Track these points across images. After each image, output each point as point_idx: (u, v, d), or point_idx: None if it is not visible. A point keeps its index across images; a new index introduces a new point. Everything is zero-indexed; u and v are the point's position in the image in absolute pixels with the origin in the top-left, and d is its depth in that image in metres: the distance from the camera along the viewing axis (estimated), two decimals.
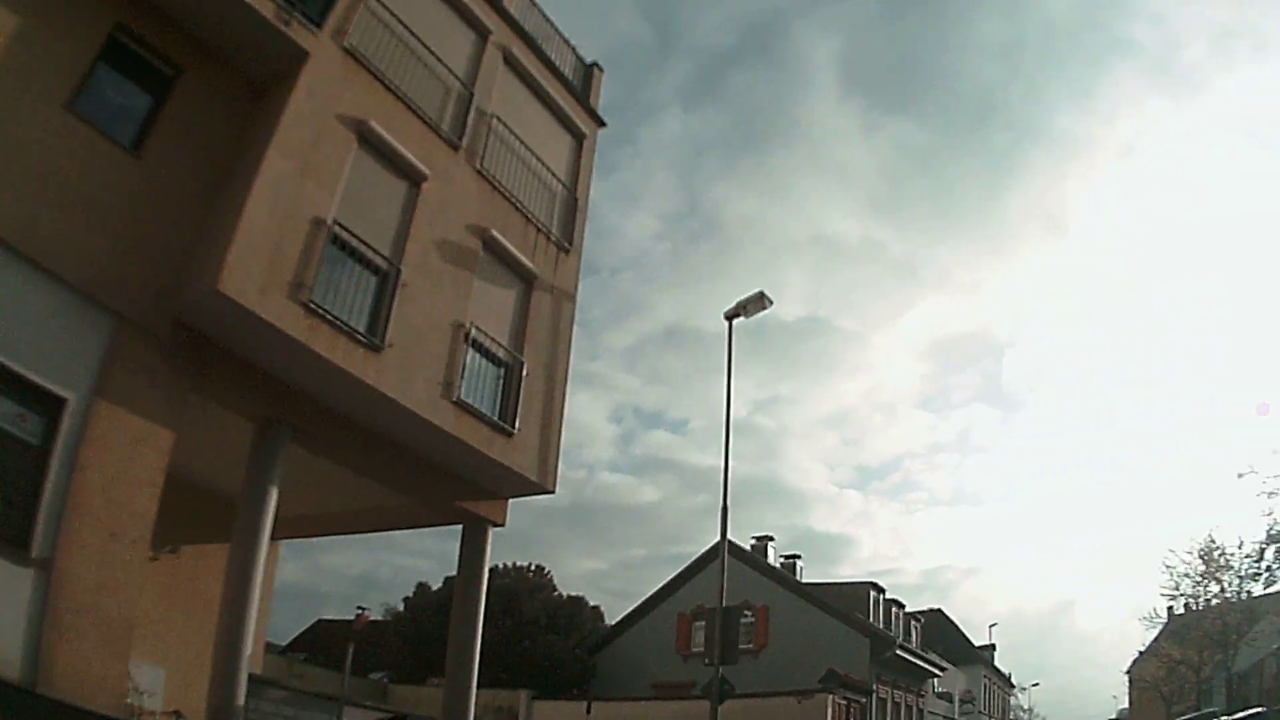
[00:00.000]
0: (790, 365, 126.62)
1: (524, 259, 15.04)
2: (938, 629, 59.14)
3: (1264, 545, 33.98)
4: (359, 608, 45.21)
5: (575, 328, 16.06)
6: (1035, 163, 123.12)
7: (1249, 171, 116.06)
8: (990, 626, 70.17)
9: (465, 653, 14.60)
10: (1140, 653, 56.39)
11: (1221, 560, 42.24)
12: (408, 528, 17.09)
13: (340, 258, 11.75)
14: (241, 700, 10.69)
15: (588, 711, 33.56)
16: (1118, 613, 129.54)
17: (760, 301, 17.14)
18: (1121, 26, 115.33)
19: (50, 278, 9.34)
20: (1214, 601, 43.02)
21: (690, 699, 29.28)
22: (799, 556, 43.59)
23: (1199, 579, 43.66)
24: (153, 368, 10.17)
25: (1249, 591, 41.14)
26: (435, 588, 41.10)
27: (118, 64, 10.74)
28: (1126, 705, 69.69)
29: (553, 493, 14.95)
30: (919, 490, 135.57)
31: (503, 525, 15.15)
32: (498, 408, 14.03)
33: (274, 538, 16.60)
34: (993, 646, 68.68)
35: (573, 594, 42.89)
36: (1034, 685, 77.45)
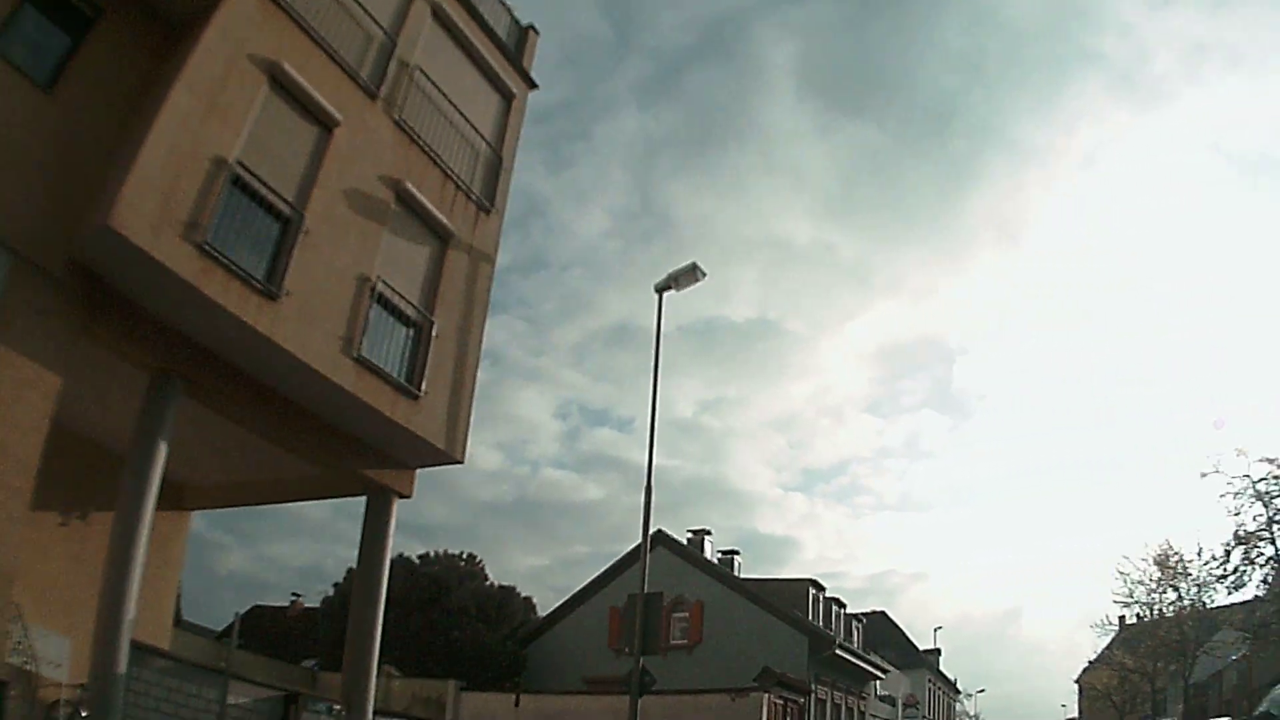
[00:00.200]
0: (738, 366, 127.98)
1: (440, 215, 14.71)
2: (881, 632, 59.44)
3: (1230, 546, 34.03)
4: (293, 594, 44.54)
5: (493, 291, 15.84)
6: (994, 170, 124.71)
7: (1212, 185, 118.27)
8: (935, 630, 70.57)
9: (366, 632, 14.12)
10: (1091, 661, 56.88)
11: (1179, 567, 42.48)
12: (316, 499, 16.81)
13: (241, 200, 11.47)
14: (123, 667, 10.36)
15: (516, 704, 33.20)
16: (1066, 621, 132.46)
17: (693, 274, 16.80)
18: (1088, 37, 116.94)
19: None
20: (1170, 611, 43.24)
21: (622, 694, 28.92)
22: (737, 552, 43.32)
23: (1155, 586, 43.98)
24: (45, 309, 9.91)
25: (1204, 602, 41.36)
26: None
27: (41, 3, 10.74)
28: (1076, 714, 70.50)
29: (461, 463, 14.64)
30: (866, 495, 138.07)
31: (409, 496, 14.81)
32: (404, 369, 13.66)
33: (186, 508, 16.80)
34: (938, 651, 69.19)
35: (504, 584, 42.41)
36: (980, 692, 78.34)
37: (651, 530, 39.59)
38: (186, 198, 10.56)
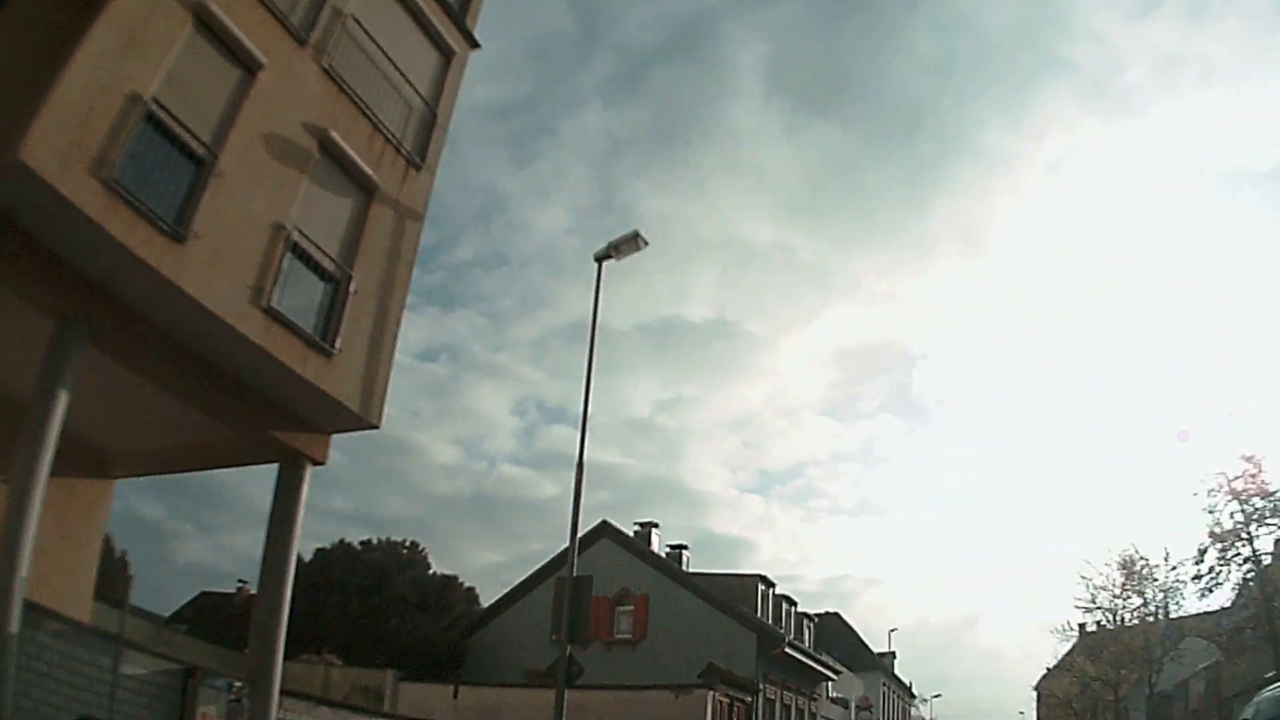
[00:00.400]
0: (696, 366, 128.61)
1: (365, 167, 14.40)
2: (835, 633, 59.44)
3: (1205, 546, 34.02)
4: (239, 581, 43.97)
5: (419, 249, 15.53)
6: (960, 175, 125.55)
7: (1187, 194, 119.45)
8: (890, 632, 70.83)
9: (274, 608, 13.73)
10: (1050, 668, 56.88)
11: (1145, 572, 42.55)
12: (234, 465, 16.51)
13: (154, 138, 11.23)
14: (15, 627, 9.98)
15: (455, 696, 32.90)
16: (1024, 628, 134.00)
17: (634, 242, 16.48)
18: (1061, 46, 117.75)
19: None
20: (1133, 618, 43.27)
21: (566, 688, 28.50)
22: (686, 546, 42.99)
23: (1118, 592, 44.03)
24: None
25: (1171, 608, 41.47)
26: (307, 559, 39.97)
27: None
28: None
29: (377, 427, 14.35)
30: (822, 498, 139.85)
31: (323, 463, 14.49)
32: (318, 324, 13.26)
33: (109, 476, 16.31)
34: (893, 654, 69.37)
35: (446, 573, 42.02)
36: (936, 697, 78.68)
37: (597, 521, 39.53)
38: (98, 133, 10.32)
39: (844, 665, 52.02)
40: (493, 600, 41.63)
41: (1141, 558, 42.77)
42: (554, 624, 17.15)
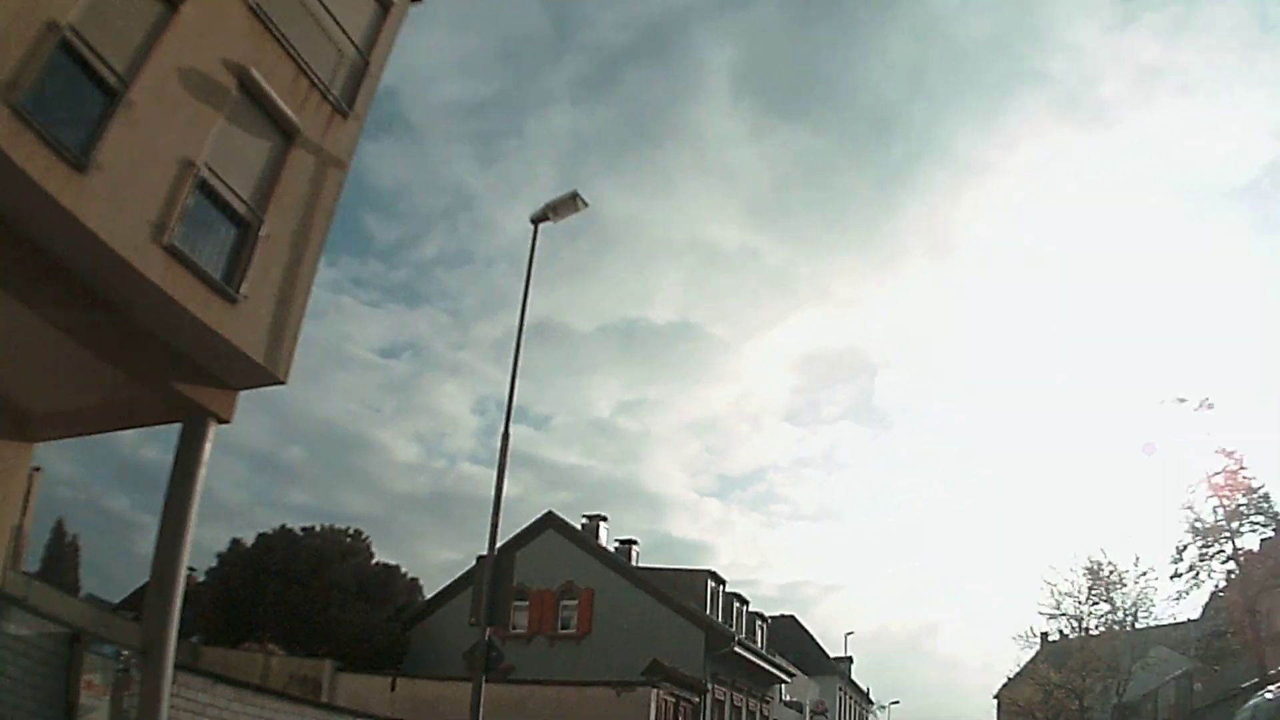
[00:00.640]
0: (658, 369, 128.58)
1: (287, 109, 13.99)
2: (791, 636, 59.14)
3: (1184, 544, 33.93)
4: (189, 569, 43.08)
5: (341, 199, 15.07)
6: (930, 181, 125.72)
7: (1154, 207, 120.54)
8: (846, 635, 70.46)
9: (170, 575, 13.27)
10: (1011, 676, 56.68)
11: (1114, 578, 42.43)
12: (142, 425, 16.09)
13: (67, 66, 10.87)
14: None
15: (392, 689, 32.54)
16: (984, 637, 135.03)
17: (573, 202, 16.10)
18: (1036, 56, 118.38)
19: None
20: (1099, 626, 43.16)
21: (505, 682, 28.05)
22: (635, 541, 42.59)
23: (1084, 598, 43.92)
24: None
25: (1135, 617, 41.37)
26: (249, 544, 39.30)
27: None
28: None
29: (284, 383, 13.99)
30: (782, 503, 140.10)
31: (229, 421, 14.06)
32: (224, 268, 12.83)
33: (28, 439, 15.88)
34: (850, 659, 69.21)
35: (387, 562, 41.39)
36: (894, 703, 78.48)
37: (542, 512, 39.05)
38: (10, 60, 9.99)
39: (799, 669, 51.74)
40: (435, 592, 41.11)
41: (1110, 563, 42.79)
42: (473, 606, 16.46)
